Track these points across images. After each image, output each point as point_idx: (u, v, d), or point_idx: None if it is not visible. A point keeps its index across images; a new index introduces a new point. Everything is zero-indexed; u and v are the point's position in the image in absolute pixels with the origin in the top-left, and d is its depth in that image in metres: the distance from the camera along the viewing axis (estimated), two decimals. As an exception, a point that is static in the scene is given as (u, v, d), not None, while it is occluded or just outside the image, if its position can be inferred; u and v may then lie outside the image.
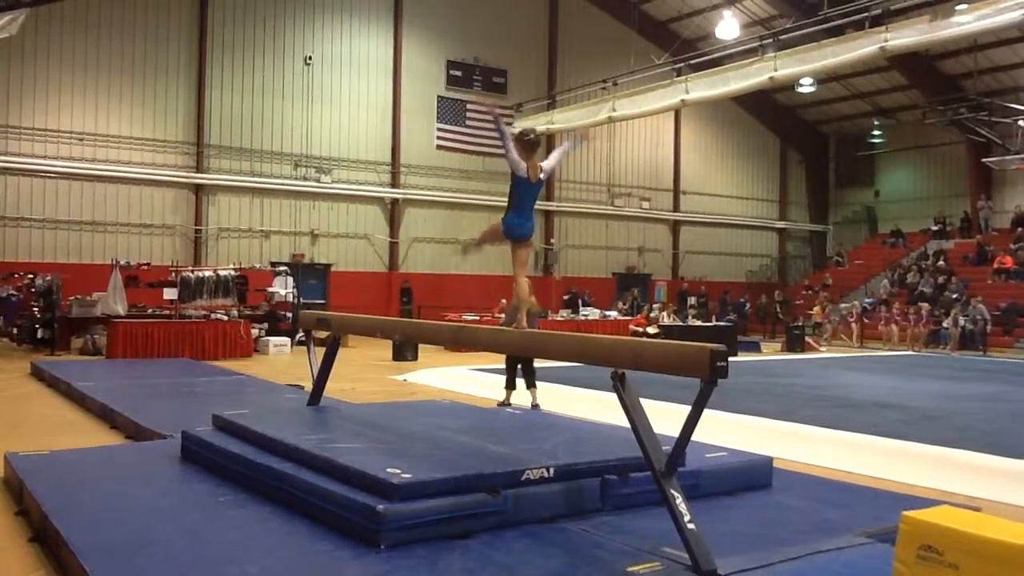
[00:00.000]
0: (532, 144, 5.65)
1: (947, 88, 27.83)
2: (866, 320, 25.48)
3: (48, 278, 17.73)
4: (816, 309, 26.10)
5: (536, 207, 24.02)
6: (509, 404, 10.31)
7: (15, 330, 17.85)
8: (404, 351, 16.95)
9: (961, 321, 23.22)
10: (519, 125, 26.01)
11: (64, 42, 21.60)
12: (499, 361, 14.49)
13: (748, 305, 28.89)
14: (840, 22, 18.88)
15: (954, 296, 25.16)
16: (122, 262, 18.56)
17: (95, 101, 21.98)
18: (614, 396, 4.53)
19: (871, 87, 30.53)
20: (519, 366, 10.48)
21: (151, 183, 22.67)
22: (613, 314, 24.34)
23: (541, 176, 5.64)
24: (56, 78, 21.51)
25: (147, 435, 7.86)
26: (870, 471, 7.21)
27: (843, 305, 26.69)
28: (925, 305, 24.33)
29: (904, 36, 16.83)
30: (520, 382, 10.50)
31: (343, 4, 25.34)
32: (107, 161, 22.06)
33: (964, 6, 16.04)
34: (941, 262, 28.21)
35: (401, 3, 26.06)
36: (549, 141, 28.20)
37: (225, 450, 6.04)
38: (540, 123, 25.31)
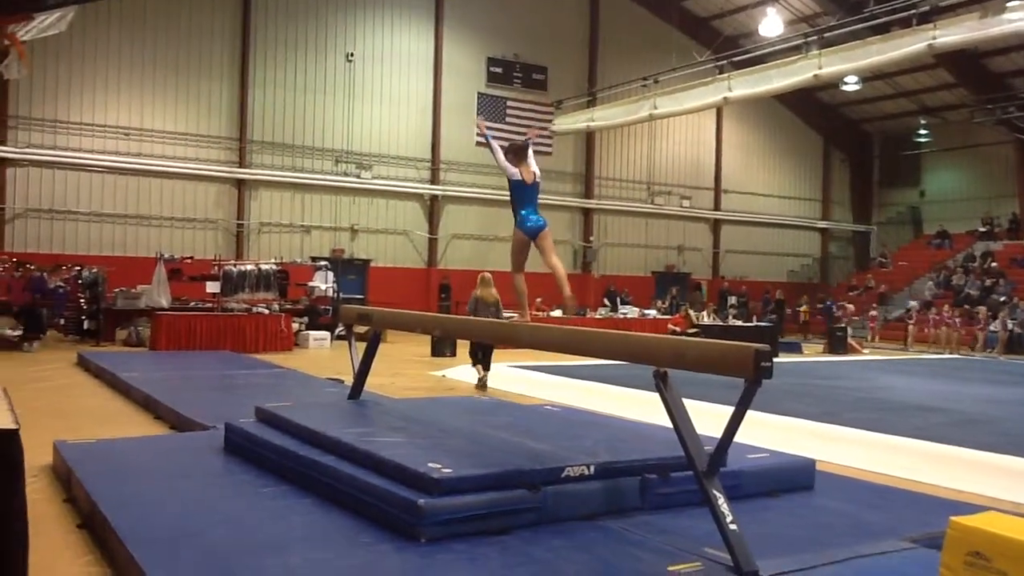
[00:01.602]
0: (520, 150, 6.15)
1: (996, 86, 27.28)
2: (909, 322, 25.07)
3: (94, 270, 18.05)
4: (803, 308, 25.98)
5: (575, 205, 24.03)
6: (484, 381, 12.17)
7: (62, 321, 18.19)
8: (443, 347, 17.00)
9: (1009, 324, 22.78)
10: (559, 122, 26.02)
11: (111, 39, 21.97)
12: (539, 358, 14.63)
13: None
14: (886, 19, 18.60)
15: (1001, 299, 24.69)
16: (166, 255, 18.85)
17: (140, 97, 22.33)
18: (651, 394, 4.50)
19: (917, 85, 30.01)
20: (481, 350, 12.18)
21: (195, 178, 22.98)
22: (652, 313, 24.22)
23: (537, 179, 6.16)
24: (103, 75, 21.89)
25: (190, 426, 7.97)
26: (914, 475, 7.09)
27: (910, 303, 26.16)
28: (982, 308, 23.81)
29: (953, 33, 16.54)
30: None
31: (385, 1, 25.46)
32: (152, 156, 22.40)
33: (1016, 2, 15.70)
34: (991, 264, 27.67)
35: (442, 0, 26.13)
36: (593, 141, 28.12)
37: (268, 442, 6.10)
38: (580, 120, 25.30)
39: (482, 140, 26.49)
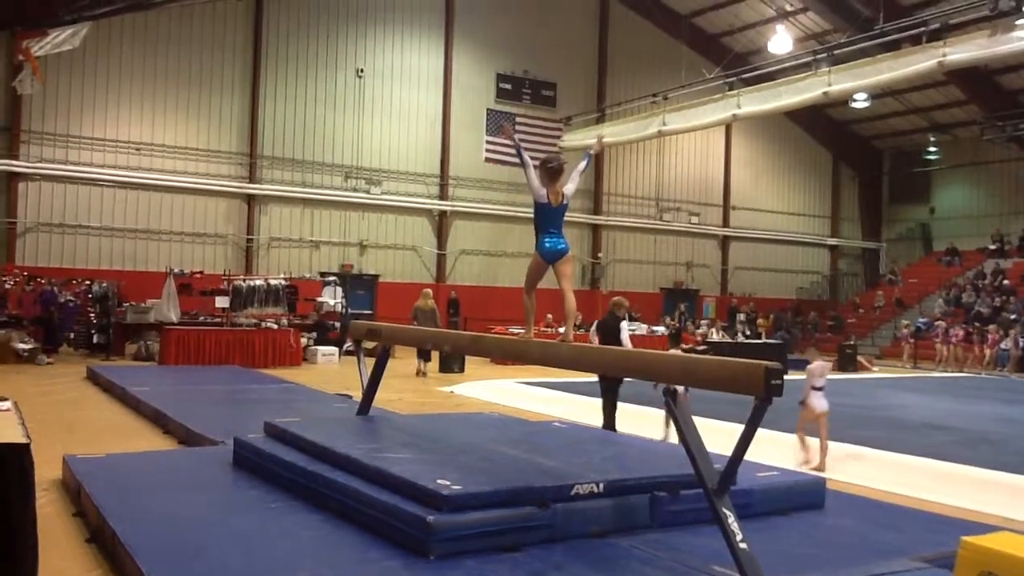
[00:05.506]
0: (555, 171, 5.61)
1: (1008, 103, 27.21)
2: (916, 340, 24.94)
3: (104, 285, 18.14)
4: (760, 321, 26.02)
5: (583, 221, 24.14)
6: (425, 373, 16.04)
7: (72, 335, 18.26)
8: (451, 363, 17.00)
9: (1021, 342, 22.66)
10: (568, 139, 26.07)
11: (123, 55, 22.12)
12: (548, 375, 14.63)
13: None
14: (896, 36, 18.59)
15: (1012, 316, 24.57)
16: (176, 270, 18.90)
17: (152, 112, 22.45)
18: (661, 412, 4.49)
19: (927, 102, 29.98)
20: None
21: (205, 193, 23.06)
22: (660, 330, 24.16)
23: (564, 201, 5.64)
24: (115, 90, 22.02)
25: (199, 441, 7.98)
26: (925, 494, 7.05)
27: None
28: (992, 327, 23.66)
29: (963, 51, 16.52)
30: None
31: (395, 17, 25.60)
32: (163, 171, 22.49)
33: (1025, 21, 15.70)
34: (1001, 281, 27.51)
35: (452, 16, 26.26)
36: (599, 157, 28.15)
37: (277, 457, 6.11)
38: (589, 137, 25.32)
39: (492, 156, 26.62)
